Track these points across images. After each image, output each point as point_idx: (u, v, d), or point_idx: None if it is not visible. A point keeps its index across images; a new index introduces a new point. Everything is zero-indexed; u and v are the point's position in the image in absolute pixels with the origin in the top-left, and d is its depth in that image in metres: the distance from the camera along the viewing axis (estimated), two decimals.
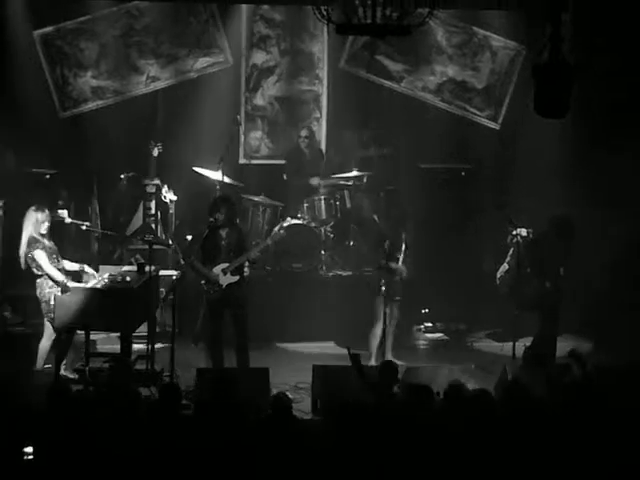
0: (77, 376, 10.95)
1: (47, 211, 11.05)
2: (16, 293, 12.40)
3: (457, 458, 6.91)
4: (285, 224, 12.16)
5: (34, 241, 10.84)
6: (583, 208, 12.96)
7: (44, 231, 10.93)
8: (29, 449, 6.97)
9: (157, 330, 11.59)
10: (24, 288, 11.50)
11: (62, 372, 10.94)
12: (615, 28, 13.27)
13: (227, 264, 11.21)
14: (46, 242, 10.91)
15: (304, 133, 14.06)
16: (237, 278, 11.27)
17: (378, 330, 11.77)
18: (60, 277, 10.80)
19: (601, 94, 13.34)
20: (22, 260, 10.89)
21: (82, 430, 7.22)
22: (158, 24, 14.18)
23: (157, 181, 13.50)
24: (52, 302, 10.74)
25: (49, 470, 6.87)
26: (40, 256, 10.81)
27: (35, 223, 10.89)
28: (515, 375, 9.79)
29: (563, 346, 11.69)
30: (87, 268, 11.11)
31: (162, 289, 11.52)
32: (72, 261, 11.17)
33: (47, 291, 10.85)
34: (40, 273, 10.83)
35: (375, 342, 11.84)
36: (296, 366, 11.66)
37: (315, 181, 13.82)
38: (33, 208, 10.99)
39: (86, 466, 6.87)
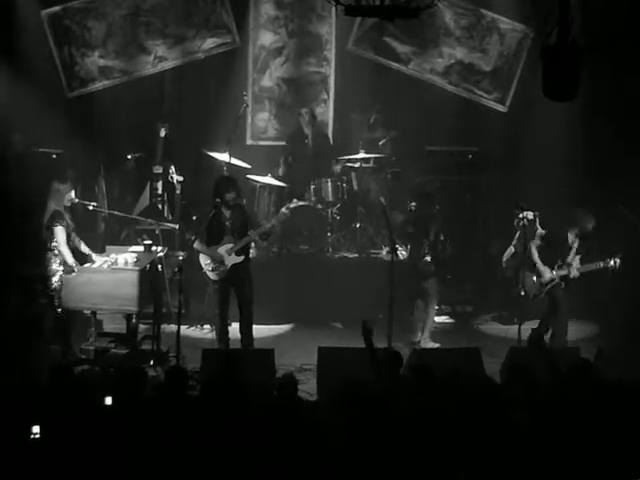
0: (83, 356, 10.99)
1: (69, 182, 11.10)
2: (26, 273, 12.40)
3: (457, 441, 6.92)
4: (292, 205, 12.16)
5: (58, 216, 10.86)
6: (590, 191, 12.96)
7: (67, 203, 10.97)
8: (36, 428, 7.00)
9: (163, 311, 11.62)
10: (33, 267, 11.53)
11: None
12: (626, 10, 13.23)
13: (232, 244, 11.23)
14: (67, 217, 10.94)
15: (304, 111, 14.00)
16: (242, 258, 11.30)
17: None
18: (71, 259, 10.82)
19: (610, 77, 13.30)
20: (44, 231, 10.93)
21: (87, 409, 7.25)
22: (166, 4, 14.17)
23: (164, 162, 13.52)
24: (55, 279, 10.80)
25: (55, 449, 6.90)
26: (59, 233, 10.82)
27: (60, 195, 10.92)
28: (520, 358, 9.79)
29: (571, 330, 11.73)
30: (95, 257, 11.08)
31: (168, 269, 11.53)
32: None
33: (54, 267, 10.88)
34: (54, 248, 10.85)
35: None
36: (302, 347, 11.70)
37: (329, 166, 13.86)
38: (56, 181, 11.03)
39: (92, 445, 6.90)
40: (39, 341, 11.11)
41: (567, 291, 11.62)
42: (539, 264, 11.59)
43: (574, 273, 11.55)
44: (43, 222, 10.92)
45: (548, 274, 11.57)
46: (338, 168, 13.90)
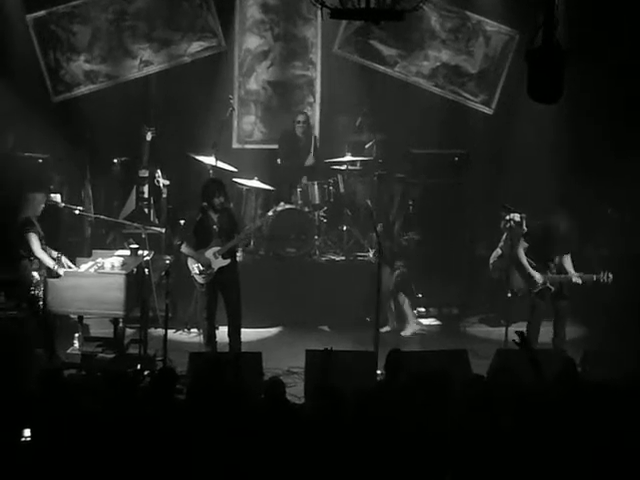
0: (67, 360, 10.96)
1: (44, 192, 11.10)
2: (8, 278, 12.35)
3: (445, 442, 6.92)
4: (278, 208, 12.18)
5: (29, 223, 10.85)
6: (577, 193, 13.00)
7: (39, 213, 10.97)
8: (27, 431, 7.00)
9: (150, 315, 11.60)
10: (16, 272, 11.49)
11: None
12: (609, 12, 13.28)
13: (219, 247, 11.23)
14: (38, 226, 10.92)
15: (301, 118, 14.00)
16: (229, 261, 11.30)
17: None
18: (50, 262, 10.80)
19: (595, 79, 13.34)
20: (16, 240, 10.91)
21: (77, 413, 7.24)
22: (151, 8, 14.15)
23: (150, 166, 13.51)
24: (33, 284, 10.77)
25: (46, 451, 6.89)
26: (33, 240, 10.81)
27: (34, 204, 10.91)
28: (506, 361, 9.80)
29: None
30: (63, 259, 11.03)
31: (155, 273, 11.51)
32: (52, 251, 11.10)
33: (31, 273, 10.86)
34: (29, 255, 10.83)
35: None
36: (289, 351, 11.69)
37: (309, 161, 13.80)
38: (31, 189, 11.03)
39: (82, 449, 6.89)
40: (23, 345, 11.06)
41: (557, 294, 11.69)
42: (529, 269, 11.59)
43: (576, 280, 11.55)
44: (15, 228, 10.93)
45: (539, 278, 11.57)
46: (305, 179, 13.88)
